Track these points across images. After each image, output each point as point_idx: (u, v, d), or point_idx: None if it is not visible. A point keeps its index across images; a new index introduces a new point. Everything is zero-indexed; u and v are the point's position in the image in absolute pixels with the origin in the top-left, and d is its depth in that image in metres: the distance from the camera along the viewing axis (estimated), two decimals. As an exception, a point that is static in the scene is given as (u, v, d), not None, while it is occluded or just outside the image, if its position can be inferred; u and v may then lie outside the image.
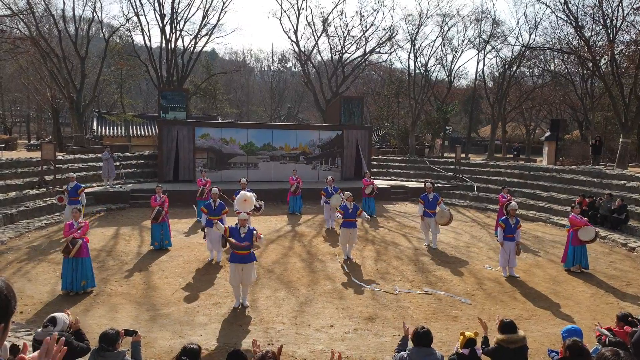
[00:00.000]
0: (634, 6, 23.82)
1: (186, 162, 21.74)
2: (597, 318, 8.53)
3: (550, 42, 33.19)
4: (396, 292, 9.65)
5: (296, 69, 61.55)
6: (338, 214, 11.80)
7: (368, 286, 9.97)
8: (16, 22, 27.90)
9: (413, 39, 35.44)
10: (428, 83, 37.37)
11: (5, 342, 2.02)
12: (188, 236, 13.90)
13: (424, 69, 37.09)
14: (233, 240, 8.37)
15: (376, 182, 18.29)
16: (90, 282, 9.22)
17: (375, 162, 26.99)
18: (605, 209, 15.62)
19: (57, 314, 5.07)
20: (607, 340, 5.05)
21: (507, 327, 5.16)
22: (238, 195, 10.24)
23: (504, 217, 10.99)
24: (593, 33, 28.54)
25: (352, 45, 38.54)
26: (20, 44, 27.44)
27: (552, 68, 38.54)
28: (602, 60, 27.14)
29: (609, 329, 5.46)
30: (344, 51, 38.30)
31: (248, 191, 11.64)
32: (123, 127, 33.45)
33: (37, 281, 9.73)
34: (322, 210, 16.22)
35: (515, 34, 64.80)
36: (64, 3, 49.91)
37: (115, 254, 11.84)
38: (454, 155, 27.51)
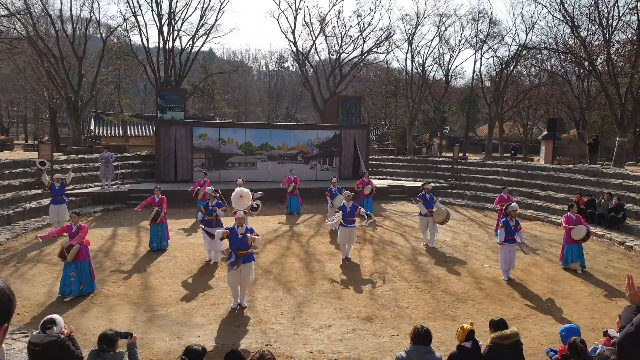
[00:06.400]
0: (630, 6, 23.89)
1: (184, 162, 21.72)
2: (595, 317, 8.56)
3: (547, 42, 33.37)
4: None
5: (294, 69, 61.49)
6: (334, 219, 11.71)
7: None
8: (13, 22, 27.89)
9: (410, 38, 35.47)
10: (425, 83, 37.40)
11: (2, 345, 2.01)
12: (189, 235, 13.87)
13: (421, 68, 37.13)
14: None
15: (374, 181, 18.24)
16: (87, 286, 9.09)
17: (373, 162, 27.01)
18: (605, 208, 15.64)
19: (54, 316, 5.06)
20: (612, 342, 5.05)
21: (498, 324, 5.16)
22: (234, 193, 10.25)
23: (504, 219, 10.74)
24: (589, 33, 28.63)
25: (349, 45, 38.63)
26: (17, 44, 27.39)
27: (549, 67, 38.62)
28: (599, 60, 27.22)
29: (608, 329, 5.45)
30: (341, 51, 38.36)
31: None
32: (121, 128, 33.40)
33: (34, 283, 9.70)
34: (321, 210, 16.18)
35: (512, 33, 65.12)
36: (62, 3, 49.82)
37: (113, 255, 11.81)
38: (451, 154, 27.54)
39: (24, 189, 16.95)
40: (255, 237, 8.51)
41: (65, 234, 9.19)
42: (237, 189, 10.55)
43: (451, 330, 7.72)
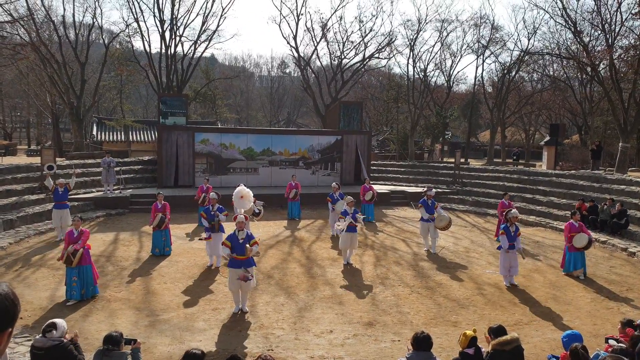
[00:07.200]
0: (633, 11, 23.94)
1: (186, 167, 21.76)
2: (598, 323, 8.53)
3: (549, 47, 33.39)
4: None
5: (295, 75, 61.75)
6: (339, 225, 11.64)
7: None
8: (17, 28, 28.01)
9: (412, 44, 35.55)
10: (427, 88, 37.46)
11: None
12: (191, 240, 13.88)
13: (423, 74, 37.19)
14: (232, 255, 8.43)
15: (375, 187, 18.25)
16: (89, 290, 9.10)
17: (374, 167, 27.00)
18: (607, 214, 15.60)
19: (56, 320, 5.09)
20: (611, 350, 5.04)
21: (497, 331, 5.15)
22: (234, 193, 10.32)
23: (504, 225, 10.75)
24: (592, 38, 28.69)
25: (351, 50, 38.64)
26: (20, 49, 27.48)
27: (551, 73, 38.68)
28: (601, 65, 27.26)
29: (611, 337, 5.43)
30: (343, 56, 38.39)
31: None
32: (123, 133, 33.49)
33: (36, 287, 9.72)
34: (322, 216, 16.14)
35: (514, 39, 65.29)
36: (64, 9, 50.32)
37: (115, 260, 11.83)
38: (453, 160, 27.52)
39: (27, 194, 16.99)
40: (253, 247, 8.48)
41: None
42: (238, 188, 10.62)
43: (453, 336, 7.71)
